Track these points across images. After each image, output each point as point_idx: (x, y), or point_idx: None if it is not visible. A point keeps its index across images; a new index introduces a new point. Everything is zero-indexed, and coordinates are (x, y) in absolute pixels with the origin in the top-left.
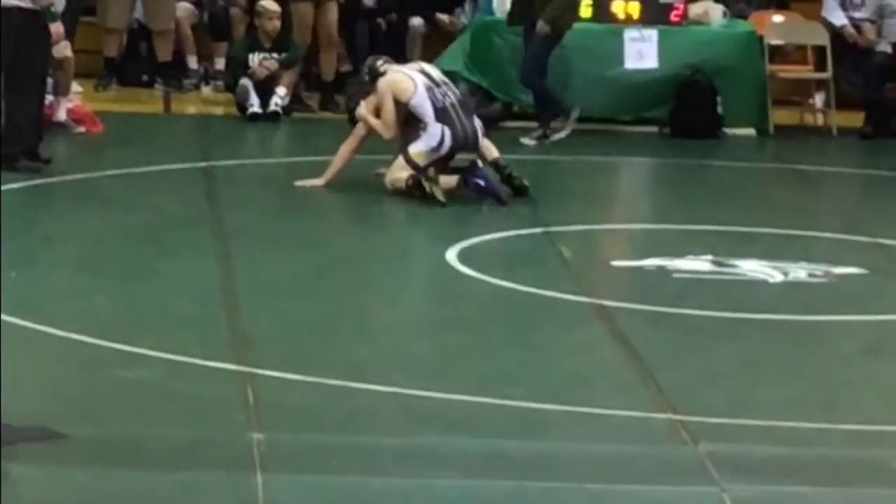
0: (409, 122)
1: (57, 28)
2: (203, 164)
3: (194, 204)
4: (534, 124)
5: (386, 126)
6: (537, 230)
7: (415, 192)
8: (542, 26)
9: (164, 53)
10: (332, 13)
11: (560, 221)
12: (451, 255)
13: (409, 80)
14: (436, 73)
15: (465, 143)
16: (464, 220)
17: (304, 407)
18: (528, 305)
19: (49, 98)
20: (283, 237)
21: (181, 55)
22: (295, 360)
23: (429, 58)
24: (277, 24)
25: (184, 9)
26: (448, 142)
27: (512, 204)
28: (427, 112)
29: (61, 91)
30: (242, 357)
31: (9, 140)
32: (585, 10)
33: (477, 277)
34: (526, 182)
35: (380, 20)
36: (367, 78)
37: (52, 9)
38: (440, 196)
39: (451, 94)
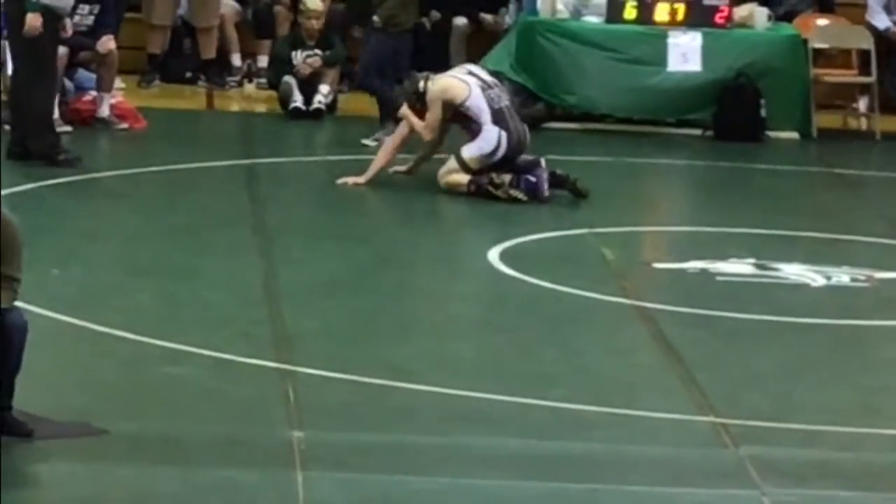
0: (463, 123)
1: (33, 20)
2: (246, 161)
3: (237, 201)
4: (577, 125)
5: (429, 128)
6: (580, 231)
7: (476, 196)
8: (376, 22)
9: (207, 50)
10: None
11: (603, 223)
12: (494, 255)
13: (461, 83)
14: (485, 74)
15: (518, 147)
16: (506, 220)
17: (344, 405)
18: (569, 306)
19: (92, 94)
20: (326, 235)
21: (225, 52)
22: (336, 359)
23: (473, 58)
24: (321, 21)
25: (228, 6)
26: (504, 147)
27: (554, 204)
28: (484, 113)
29: (104, 87)
30: (283, 355)
31: (34, 135)
32: (629, 12)
33: (519, 278)
34: (584, 187)
35: (424, 20)
36: (414, 98)
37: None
38: (519, 195)
39: (504, 96)
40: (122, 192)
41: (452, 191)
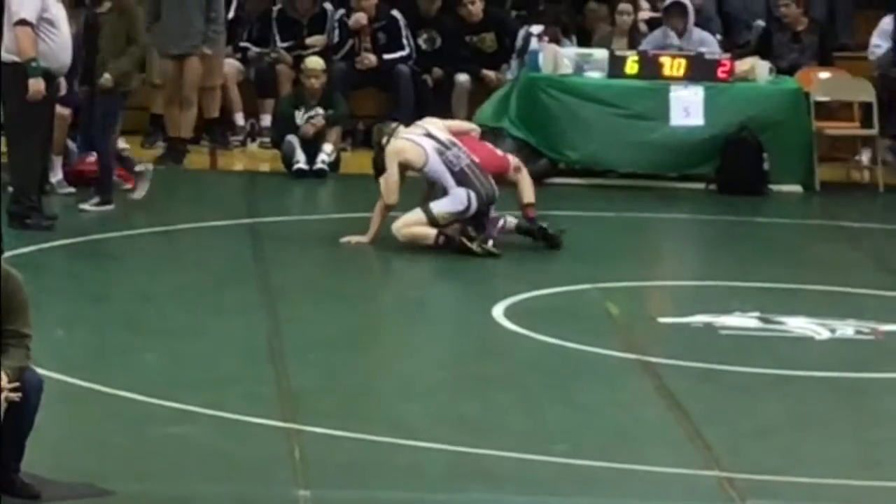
0: (431, 183)
1: (36, 84)
2: (249, 220)
3: (241, 261)
4: (580, 181)
5: (389, 192)
6: (584, 286)
7: (444, 248)
8: (107, 80)
9: (210, 110)
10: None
11: (607, 278)
12: (498, 311)
13: (416, 147)
14: (443, 134)
15: (489, 201)
16: (510, 276)
17: (350, 463)
18: (574, 362)
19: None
20: (330, 294)
21: (228, 112)
22: (341, 417)
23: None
24: (322, 80)
25: (231, 65)
26: (474, 205)
27: (558, 260)
28: (446, 178)
29: None
30: (289, 414)
31: (13, 198)
32: (631, 67)
33: (523, 334)
34: (556, 232)
35: (425, 76)
36: (376, 148)
37: (34, 63)
38: (478, 248)
39: (463, 155)
40: (127, 253)
41: (414, 244)
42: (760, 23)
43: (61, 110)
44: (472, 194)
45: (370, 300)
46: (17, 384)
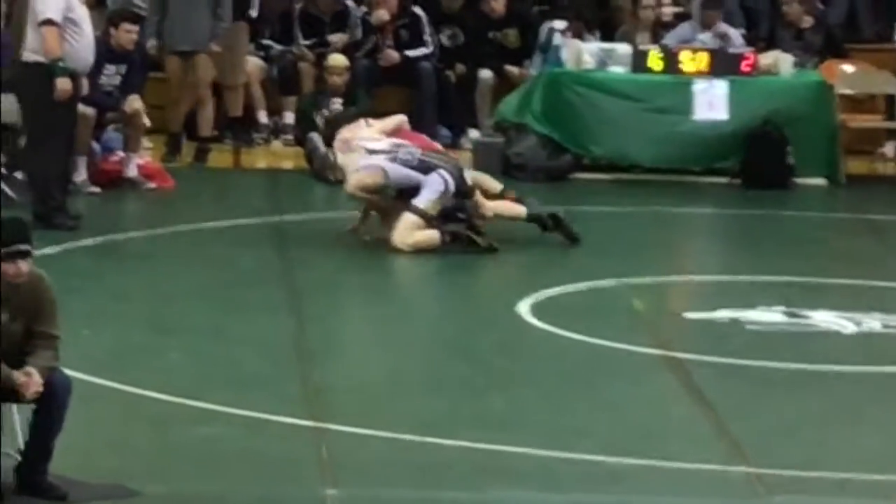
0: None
1: (63, 83)
2: (273, 218)
3: (265, 259)
4: (604, 176)
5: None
6: (609, 282)
7: (453, 245)
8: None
9: (234, 108)
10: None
11: (631, 273)
12: (523, 307)
13: (371, 170)
14: (383, 143)
15: (460, 173)
16: (534, 271)
17: (376, 462)
18: (600, 358)
19: (119, 154)
20: (354, 291)
21: (251, 110)
22: (367, 415)
23: None
24: (346, 78)
25: (253, 64)
26: (450, 180)
27: (582, 255)
28: (411, 175)
29: (131, 147)
30: (315, 412)
31: (37, 198)
32: (655, 62)
33: (548, 330)
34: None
35: (449, 73)
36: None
37: (61, 63)
38: (485, 243)
39: (413, 149)
40: (151, 252)
41: (423, 250)
42: None
43: (85, 110)
44: (443, 172)
45: (394, 297)
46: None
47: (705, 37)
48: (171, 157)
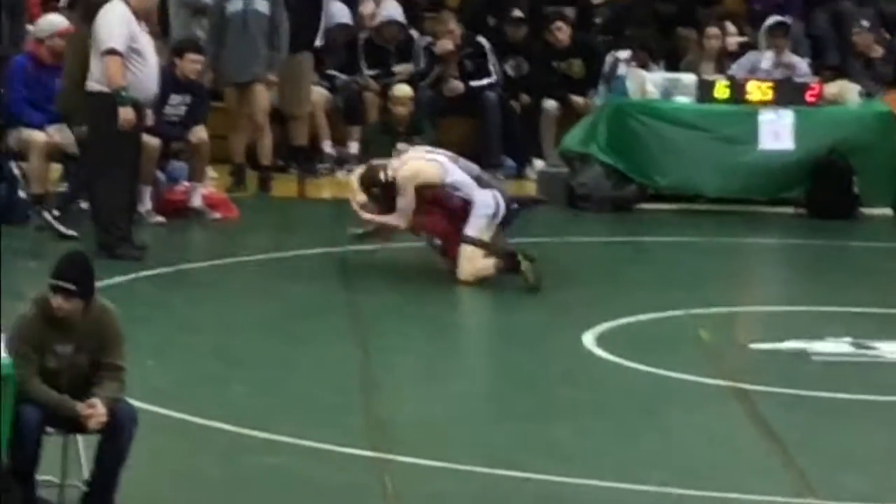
0: (442, 205)
1: (126, 113)
2: (338, 248)
3: (330, 289)
4: (669, 206)
5: (403, 215)
6: (675, 312)
7: (506, 273)
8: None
9: (298, 138)
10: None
11: (697, 304)
12: (588, 338)
13: (431, 163)
14: (443, 152)
15: (509, 202)
16: (599, 302)
17: (441, 493)
18: (666, 389)
19: (185, 184)
20: (418, 322)
21: (316, 139)
22: (432, 446)
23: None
24: (410, 108)
25: (318, 93)
26: (502, 204)
27: (648, 286)
28: (468, 185)
29: (196, 177)
30: (379, 443)
31: (102, 228)
32: (720, 91)
33: (614, 361)
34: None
35: (513, 102)
36: (376, 191)
37: (124, 92)
38: (531, 279)
39: (472, 165)
40: (216, 282)
41: (483, 279)
42: None
43: (150, 140)
44: (497, 193)
45: (459, 327)
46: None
47: (770, 66)
48: (235, 186)
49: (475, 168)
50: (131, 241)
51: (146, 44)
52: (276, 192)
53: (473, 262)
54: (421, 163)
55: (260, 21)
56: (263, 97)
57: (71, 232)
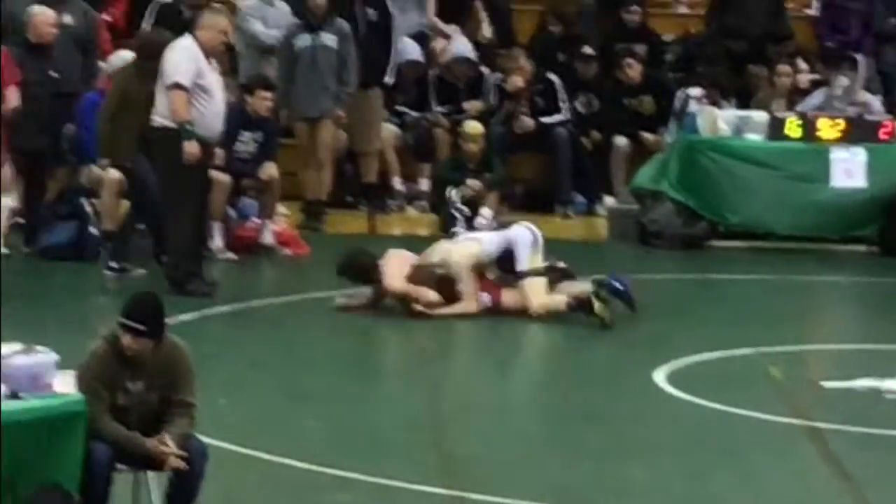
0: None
1: (191, 146)
2: None
3: (399, 326)
4: (740, 243)
5: (474, 299)
6: (746, 350)
7: (578, 311)
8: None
9: (369, 174)
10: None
11: (768, 341)
12: (660, 375)
13: (464, 245)
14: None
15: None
16: (670, 339)
17: None
18: (738, 427)
19: (255, 220)
20: (488, 358)
21: (386, 176)
22: (503, 483)
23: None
24: (481, 145)
25: (388, 130)
26: (536, 231)
27: (718, 324)
28: (493, 241)
29: (267, 214)
30: (450, 480)
31: (171, 264)
32: (792, 129)
33: (685, 399)
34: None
35: (584, 139)
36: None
37: (189, 126)
38: (606, 319)
39: (481, 219)
40: (287, 319)
41: (552, 314)
42: None
43: (221, 176)
44: (524, 227)
45: (529, 364)
46: (183, 452)
47: (842, 104)
48: (306, 223)
49: (489, 218)
50: (201, 277)
51: (213, 82)
52: (346, 229)
53: (540, 295)
54: (464, 247)
55: (328, 56)
56: (329, 133)
57: (131, 268)
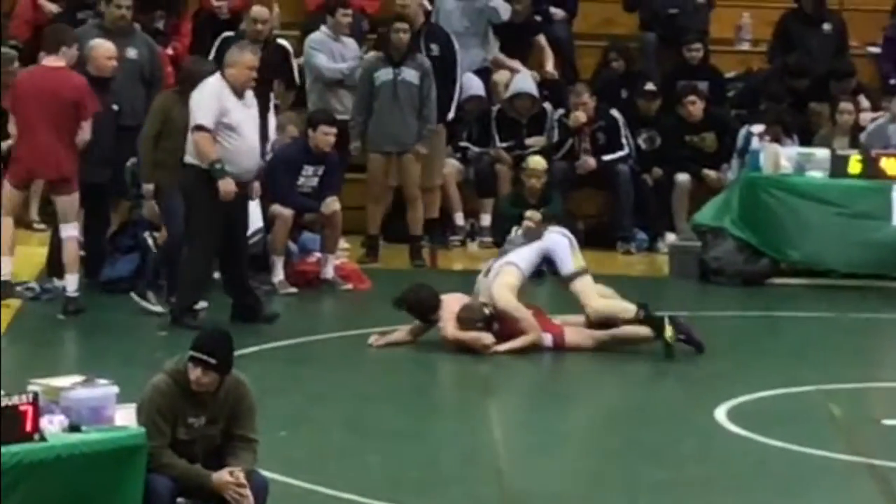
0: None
1: (226, 185)
2: None
3: (460, 361)
4: (801, 280)
5: (533, 327)
6: (806, 388)
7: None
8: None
9: (431, 210)
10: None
11: (829, 379)
12: (720, 412)
13: (505, 275)
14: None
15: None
16: (731, 376)
17: None
18: (798, 465)
19: (316, 255)
20: (549, 395)
21: (448, 211)
22: None
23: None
24: (544, 181)
25: (450, 165)
26: (567, 233)
27: (779, 361)
28: (530, 257)
29: (329, 248)
30: None
31: (177, 294)
32: (854, 166)
33: (746, 436)
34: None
35: (645, 176)
36: (480, 326)
37: (218, 165)
38: (674, 346)
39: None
40: (348, 354)
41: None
42: None
43: (282, 210)
44: (554, 229)
45: (589, 400)
46: (245, 484)
47: None
48: (367, 258)
49: (517, 236)
50: (194, 313)
51: (242, 119)
52: (408, 265)
53: (594, 295)
54: (504, 281)
55: (410, 91)
56: (415, 168)
57: (158, 308)
